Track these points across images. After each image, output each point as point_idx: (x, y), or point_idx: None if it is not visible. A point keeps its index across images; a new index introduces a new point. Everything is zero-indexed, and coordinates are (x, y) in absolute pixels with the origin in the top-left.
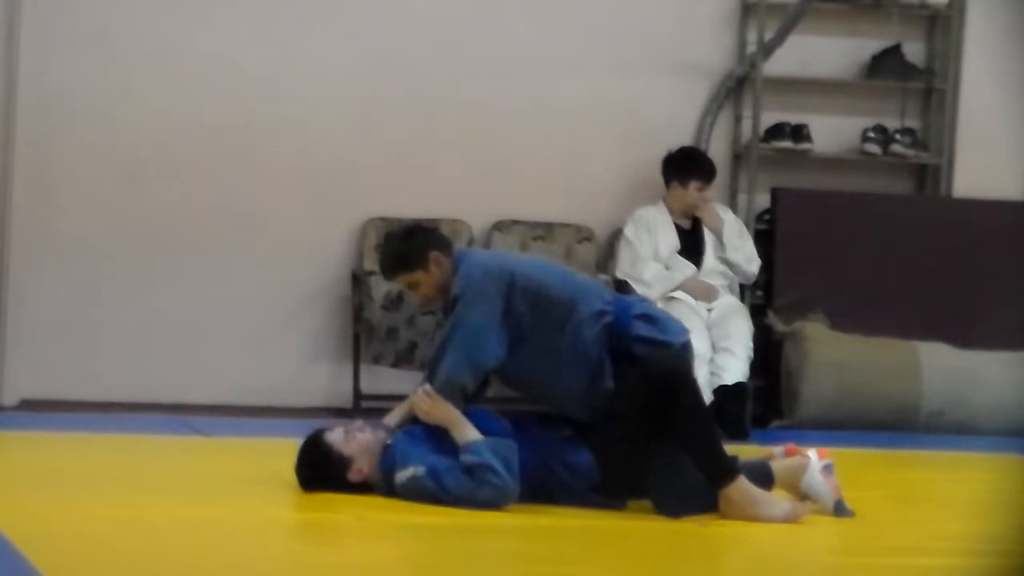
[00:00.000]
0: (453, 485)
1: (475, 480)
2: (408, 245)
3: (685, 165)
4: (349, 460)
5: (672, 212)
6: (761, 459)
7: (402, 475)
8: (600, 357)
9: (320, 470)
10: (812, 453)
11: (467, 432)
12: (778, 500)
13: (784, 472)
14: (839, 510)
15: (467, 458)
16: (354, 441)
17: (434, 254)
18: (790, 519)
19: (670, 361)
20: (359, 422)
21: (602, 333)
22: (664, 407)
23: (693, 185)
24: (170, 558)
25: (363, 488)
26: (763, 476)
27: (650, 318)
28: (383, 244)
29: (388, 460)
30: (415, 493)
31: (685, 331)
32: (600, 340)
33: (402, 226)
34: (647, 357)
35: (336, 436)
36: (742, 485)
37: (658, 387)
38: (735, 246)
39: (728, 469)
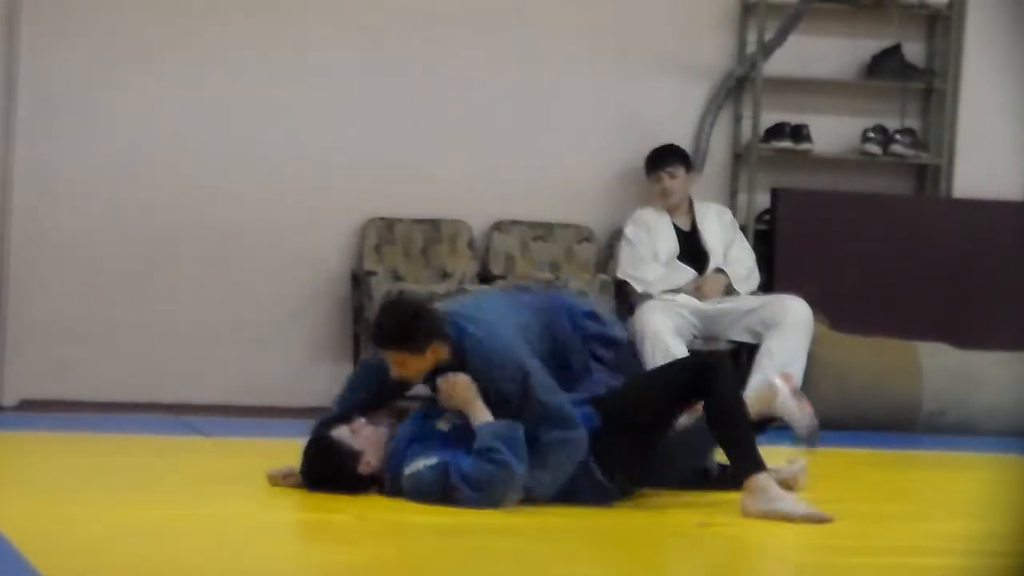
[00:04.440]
0: (460, 474)
1: (481, 462)
2: (416, 327)
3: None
4: (359, 453)
5: (669, 212)
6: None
7: (410, 468)
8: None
9: (330, 466)
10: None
11: (480, 415)
12: (801, 500)
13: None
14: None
15: (485, 440)
16: (360, 435)
17: (436, 344)
18: (811, 518)
19: (713, 357)
20: (361, 419)
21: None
22: (707, 399)
23: (652, 177)
24: (170, 558)
25: (371, 482)
26: None
27: (596, 316)
28: (385, 311)
29: (394, 460)
30: (420, 486)
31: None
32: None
33: (407, 300)
34: (688, 356)
35: (342, 431)
36: (767, 481)
37: (702, 379)
38: (739, 278)
39: (757, 463)
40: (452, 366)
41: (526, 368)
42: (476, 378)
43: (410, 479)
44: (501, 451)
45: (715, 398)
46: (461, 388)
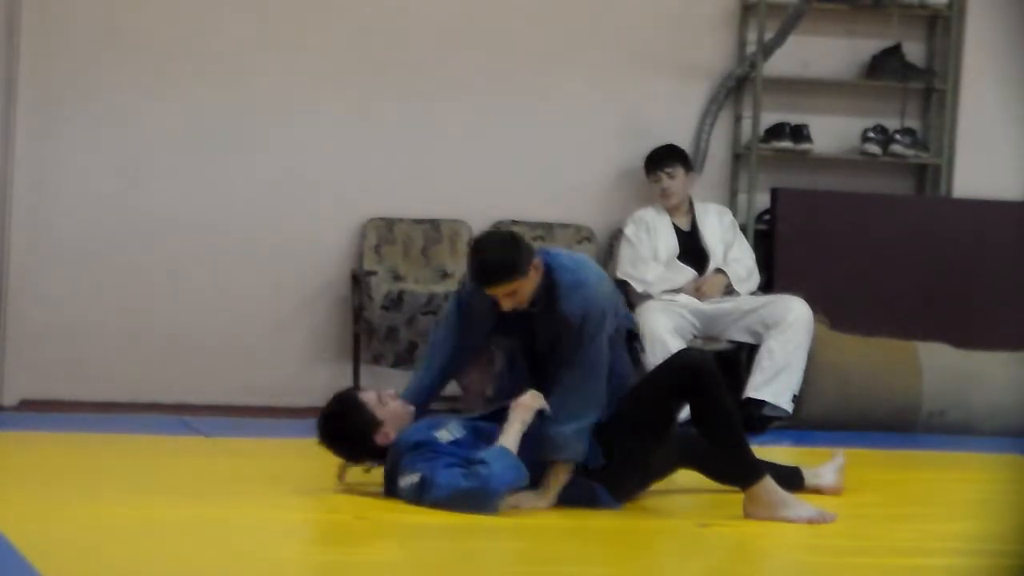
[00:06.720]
0: (441, 483)
1: (468, 471)
2: (517, 254)
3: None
4: (380, 423)
5: (669, 212)
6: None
7: (404, 480)
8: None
9: (349, 425)
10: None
11: (507, 438)
12: (804, 503)
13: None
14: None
15: (482, 454)
16: (387, 406)
17: (536, 260)
18: (816, 520)
19: (698, 358)
20: (391, 391)
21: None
22: (693, 404)
23: (651, 177)
24: (170, 558)
25: (379, 455)
26: (792, 479)
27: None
28: (479, 251)
29: (391, 462)
30: (410, 498)
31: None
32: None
33: (495, 233)
34: (673, 357)
35: (370, 397)
36: (769, 485)
37: (686, 384)
38: (739, 279)
39: (755, 469)
40: (540, 297)
41: (603, 313)
42: (558, 301)
43: (402, 491)
44: (490, 466)
45: (702, 403)
46: (524, 407)
